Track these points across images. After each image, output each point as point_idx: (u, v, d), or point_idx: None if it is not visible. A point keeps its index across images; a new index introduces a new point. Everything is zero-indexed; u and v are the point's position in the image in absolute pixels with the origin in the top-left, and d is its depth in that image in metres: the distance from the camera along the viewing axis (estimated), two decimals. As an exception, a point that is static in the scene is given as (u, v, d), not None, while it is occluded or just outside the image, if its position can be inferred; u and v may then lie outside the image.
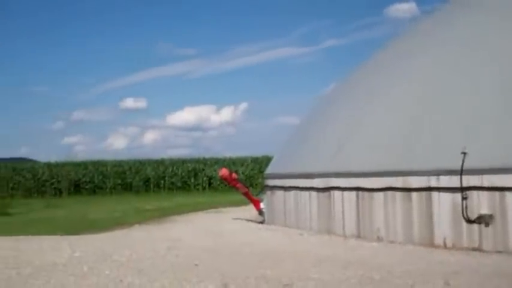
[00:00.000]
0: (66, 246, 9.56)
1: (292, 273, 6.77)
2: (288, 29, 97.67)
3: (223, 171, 14.86)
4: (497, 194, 8.07)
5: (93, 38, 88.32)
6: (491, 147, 8.28)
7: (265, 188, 13.72)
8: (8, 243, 10.35)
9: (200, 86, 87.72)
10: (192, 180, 36.32)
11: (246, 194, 14.89)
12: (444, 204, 8.57)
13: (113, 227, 13.86)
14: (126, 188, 35.84)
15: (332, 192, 10.43)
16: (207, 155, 40.20)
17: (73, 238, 11.27)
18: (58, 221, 16.25)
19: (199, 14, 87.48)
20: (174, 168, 36.78)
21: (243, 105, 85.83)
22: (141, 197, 31.40)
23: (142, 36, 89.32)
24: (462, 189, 8.31)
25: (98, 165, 37.09)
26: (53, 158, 40.09)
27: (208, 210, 18.90)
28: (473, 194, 8.26)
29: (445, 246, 8.49)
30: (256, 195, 15.25)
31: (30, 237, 11.58)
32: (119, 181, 35.98)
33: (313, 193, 10.96)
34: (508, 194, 7.96)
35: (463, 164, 8.25)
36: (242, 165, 36.88)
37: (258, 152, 39.31)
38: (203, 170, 36.61)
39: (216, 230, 12.15)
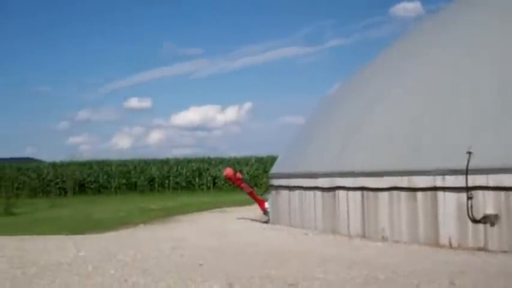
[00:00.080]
0: (71, 245, 9.57)
1: (297, 272, 6.76)
2: (292, 28, 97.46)
3: (228, 171, 14.85)
4: (502, 193, 8.05)
5: (97, 38, 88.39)
6: (497, 146, 8.26)
7: (269, 187, 13.71)
8: (13, 242, 10.37)
9: (205, 85, 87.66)
10: (197, 179, 36.34)
11: (250, 194, 14.88)
12: (449, 204, 8.55)
13: (117, 227, 13.87)
14: (131, 187, 35.90)
15: (337, 191, 10.41)
16: (212, 155, 40.22)
17: (78, 238, 11.28)
18: (63, 221, 16.27)
19: (204, 14, 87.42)
20: (179, 167, 36.81)
21: (248, 105, 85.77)
22: (145, 196, 31.45)
23: (147, 36, 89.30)
24: (467, 189, 8.28)
25: (103, 165, 37.15)
26: (58, 157, 40.21)
27: (213, 210, 18.90)
28: (479, 194, 8.24)
29: (450, 246, 8.47)
30: (261, 195, 15.23)
31: (35, 236, 11.60)
32: (124, 181, 36.04)
33: (318, 193, 10.95)
34: (513, 193, 7.94)
35: (468, 163, 8.22)
36: (247, 164, 36.89)
37: (262, 152, 39.38)
38: (208, 169, 36.63)
39: (221, 229, 12.14)
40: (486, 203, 8.17)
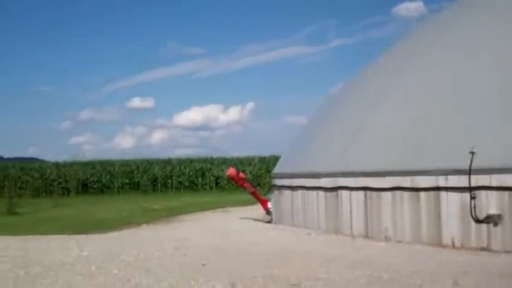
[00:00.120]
0: (74, 245, 9.59)
1: (300, 272, 6.75)
2: (295, 28, 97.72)
3: (231, 171, 14.85)
4: (506, 193, 8.03)
5: (101, 38, 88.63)
6: (500, 146, 8.24)
7: (272, 187, 13.71)
8: (16, 242, 10.39)
9: (207, 85, 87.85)
10: (200, 179, 36.37)
11: (253, 194, 14.88)
12: (452, 204, 8.54)
13: (120, 227, 13.88)
14: (134, 187, 35.94)
15: (340, 191, 10.41)
16: (215, 155, 40.27)
17: (81, 237, 11.30)
18: (66, 221, 16.29)
19: (207, 14, 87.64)
20: (182, 167, 36.83)
21: (250, 105, 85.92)
22: (148, 196, 31.48)
23: (149, 35, 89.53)
24: (470, 189, 8.27)
25: (106, 164, 37.21)
26: (61, 157, 40.30)
27: (216, 210, 18.91)
28: (482, 194, 8.23)
29: (453, 246, 8.46)
30: (264, 194, 15.24)
31: (38, 236, 11.63)
32: (127, 181, 36.09)
33: (321, 193, 10.95)
34: (516, 193, 7.93)
35: (471, 163, 8.21)
36: (249, 164, 36.89)
37: (265, 152, 39.43)
38: (210, 169, 36.64)
39: (224, 229, 12.15)
40: (489, 203, 8.16)
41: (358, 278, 6.39)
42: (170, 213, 17.64)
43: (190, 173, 36.56)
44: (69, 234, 12.03)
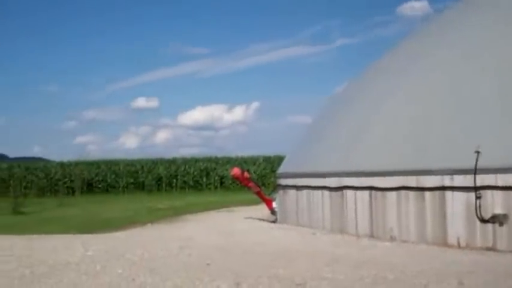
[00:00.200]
0: (79, 245, 9.60)
1: (305, 272, 6.74)
2: (299, 28, 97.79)
3: (235, 171, 14.85)
4: (511, 193, 8.00)
5: (104, 38, 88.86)
6: (506, 146, 8.21)
7: (277, 187, 13.70)
8: (22, 242, 10.41)
9: (212, 85, 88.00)
10: (204, 179, 36.38)
11: (258, 193, 14.87)
12: (458, 203, 8.51)
13: (125, 226, 13.90)
14: (139, 187, 36.00)
15: (345, 191, 10.40)
16: (219, 154, 40.30)
17: (86, 237, 11.31)
18: (71, 220, 16.32)
19: (211, 14, 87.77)
20: (186, 167, 36.86)
21: (255, 105, 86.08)
22: (153, 196, 31.52)
23: (154, 35, 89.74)
24: (476, 189, 8.24)
25: (111, 164, 37.28)
26: (66, 157, 40.44)
27: (220, 210, 18.91)
28: (487, 194, 8.20)
29: (458, 246, 8.43)
30: (269, 194, 15.23)
31: (43, 236, 11.65)
32: (131, 180, 36.16)
33: (326, 192, 10.94)
34: (522, 193, 7.89)
35: (476, 163, 8.18)
36: (254, 164, 36.89)
37: (270, 151, 39.36)
38: (215, 169, 36.65)
39: (228, 229, 12.15)
40: (495, 202, 8.13)
41: (363, 278, 6.37)
42: (175, 213, 17.66)
43: (195, 173, 36.58)
44: (74, 234, 12.04)
